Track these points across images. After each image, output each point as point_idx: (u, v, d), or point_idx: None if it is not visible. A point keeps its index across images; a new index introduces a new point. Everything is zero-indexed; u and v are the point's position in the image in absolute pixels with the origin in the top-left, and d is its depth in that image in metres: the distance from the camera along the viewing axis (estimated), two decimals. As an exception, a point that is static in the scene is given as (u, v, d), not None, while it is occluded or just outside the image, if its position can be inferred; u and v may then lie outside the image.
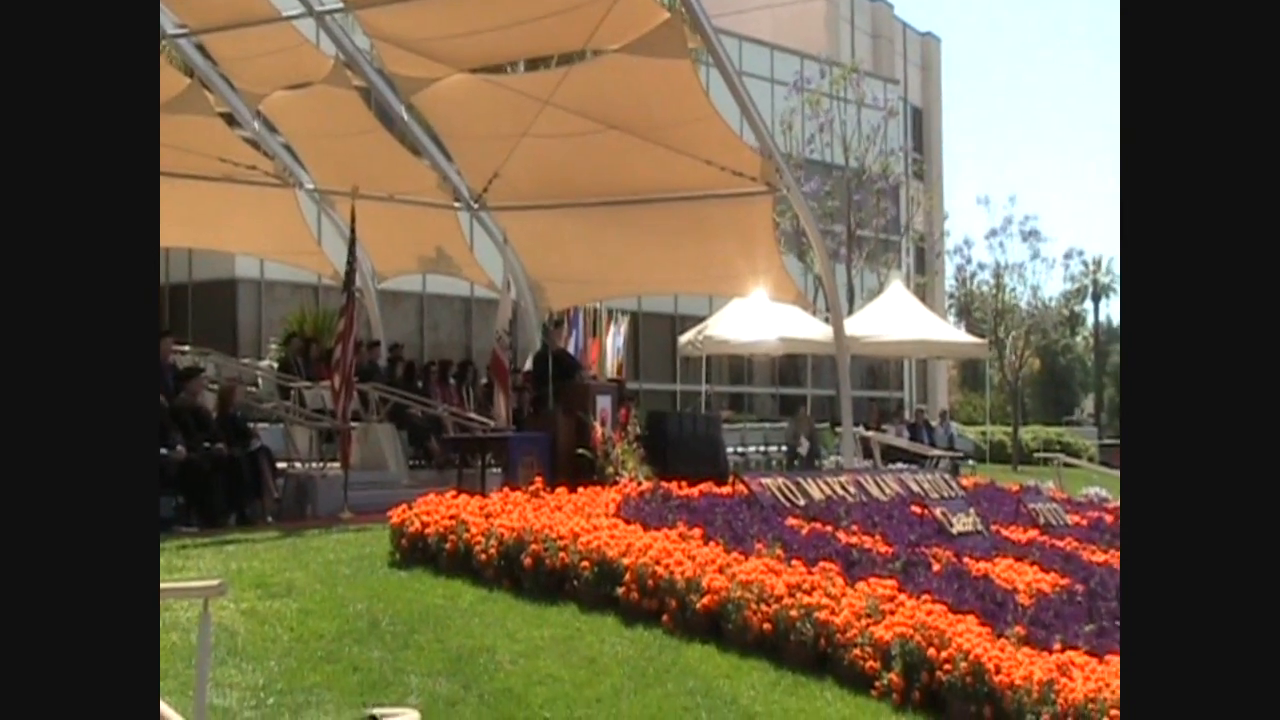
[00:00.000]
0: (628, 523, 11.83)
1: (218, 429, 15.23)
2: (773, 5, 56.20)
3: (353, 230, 18.86)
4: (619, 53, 18.40)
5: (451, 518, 11.59)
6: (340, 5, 19.28)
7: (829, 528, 12.81)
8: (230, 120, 21.04)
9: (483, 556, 11.18)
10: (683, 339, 31.64)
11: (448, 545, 11.35)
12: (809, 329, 27.65)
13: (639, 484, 14.69)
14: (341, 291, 19.23)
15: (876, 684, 9.62)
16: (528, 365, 21.61)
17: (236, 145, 21.25)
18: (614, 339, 25.38)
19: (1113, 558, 14.51)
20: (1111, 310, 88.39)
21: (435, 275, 25.62)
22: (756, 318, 28.01)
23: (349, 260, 18.90)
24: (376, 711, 4.50)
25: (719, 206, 20.30)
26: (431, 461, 18.82)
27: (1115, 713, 9.11)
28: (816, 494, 14.70)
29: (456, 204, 22.39)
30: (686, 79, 18.74)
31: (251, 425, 16.70)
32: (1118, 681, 9.43)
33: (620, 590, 10.68)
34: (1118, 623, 11.02)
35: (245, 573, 10.00)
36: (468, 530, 11.41)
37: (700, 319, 31.72)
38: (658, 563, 10.77)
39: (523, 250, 22.71)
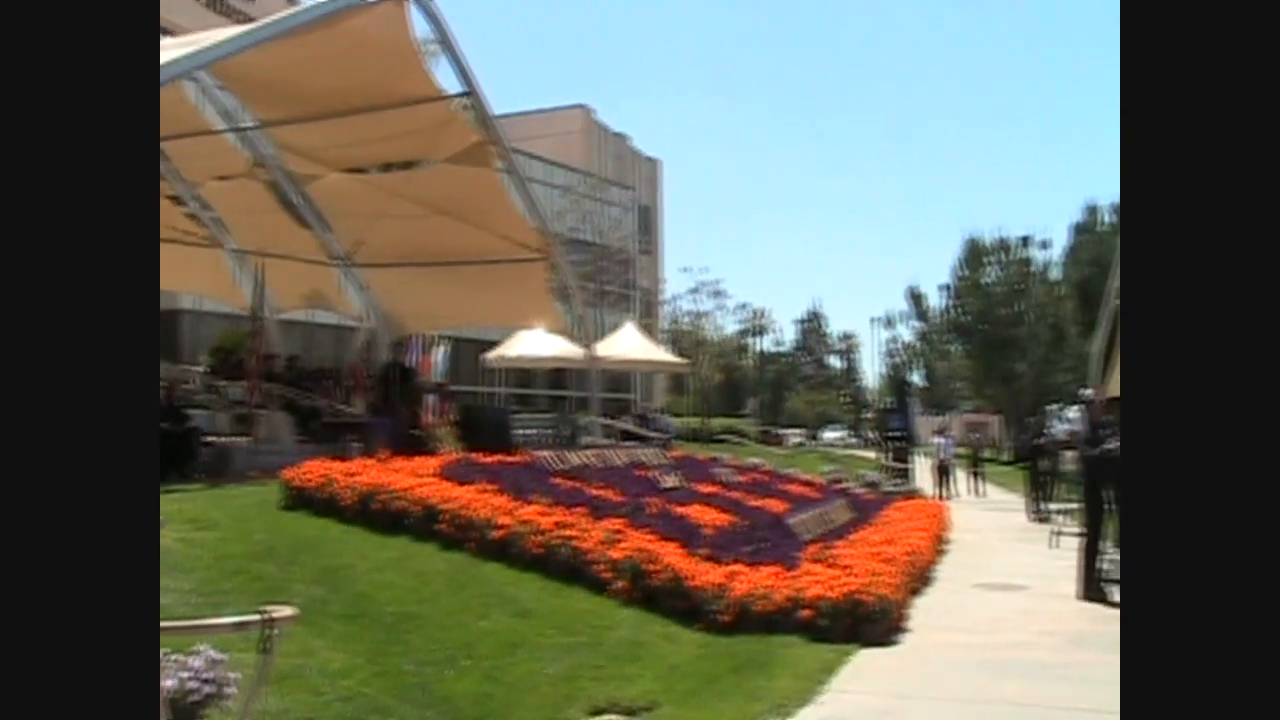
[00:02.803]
0: (446, 481, 11.72)
1: (164, 413, 14.74)
2: (550, 135, 56.23)
3: (261, 278, 18.83)
4: (445, 162, 18.47)
5: (324, 476, 11.38)
6: (256, 124, 18.98)
7: (581, 484, 12.85)
8: (176, 200, 20.63)
9: (346, 502, 10.98)
10: (487, 356, 31.70)
11: (322, 494, 11.13)
12: (571, 351, 27.77)
13: (454, 455, 14.60)
14: (252, 319, 19.39)
15: (611, 588, 9.70)
16: (379, 373, 21.36)
17: (181, 219, 20.83)
18: (439, 356, 25.18)
19: (766, 503, 14.84)
20: (767, 343, 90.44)
21: (317, 309, 25.15)
22: (537, 342, 28.30)
23: (257, 297, 18.99)
24: (267, 609, 4.38)
25: (512, 268, 20.39)
26: (313, 438, 18.43)
27: (764, 603, 9.37)
28: (574, 461, 14.75)
29: (333, 261, 22.09)
30: (491, 181, 18.91)
31: (187, 410, 16.29)
32: (769, 582, 9.71)
33: (440, 525, 10.57)
34: (767, 544, 11.33)
35: (181, 513, 9.68)
36: (336, 484, 11.20)
37: (499, 342, 31.75)
38: (465, 507, 10.71)
39: (379, 294, 22.54)
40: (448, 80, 17.24)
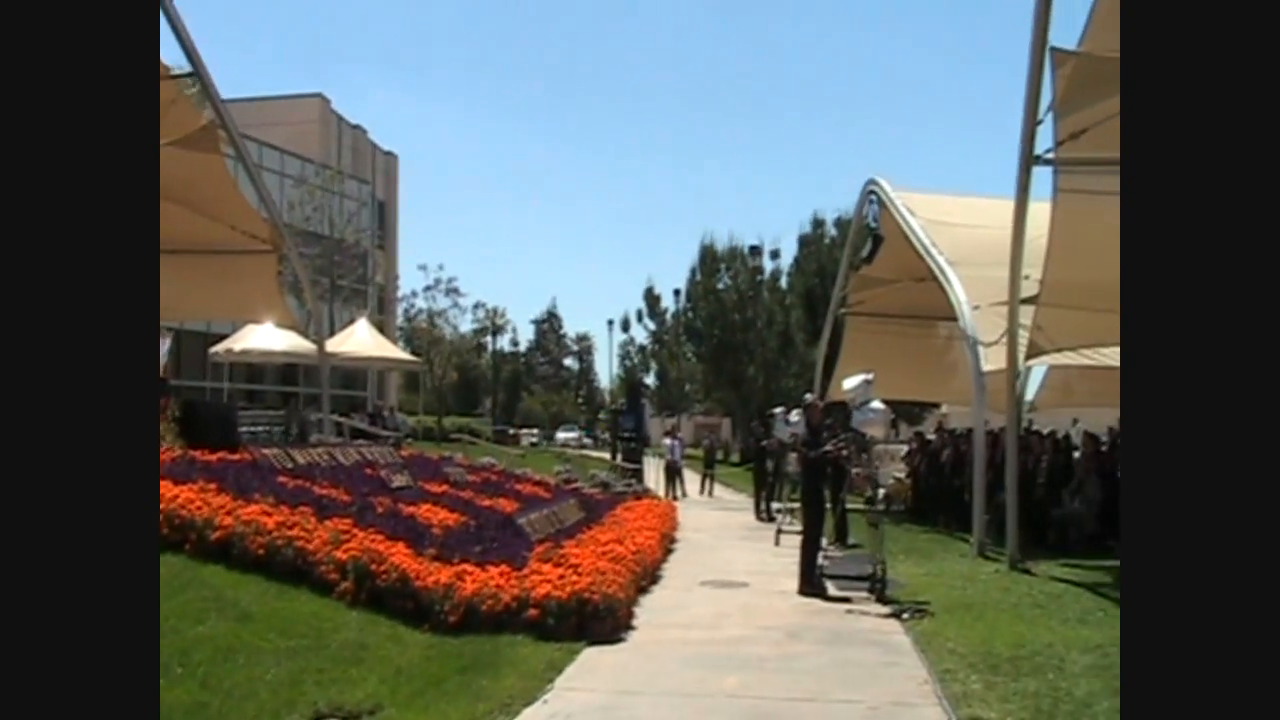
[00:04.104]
0: (163, 479, 11.19)
1: None
2: (284, 123, 54.49)
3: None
4: (170, 145, 17.52)
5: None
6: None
7: (308, 483, 12.53)
8: None
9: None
10: (214, 350, 30.35)
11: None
12: (303, 346, 27.01)
13: (173, 452, 13.94)
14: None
15: (336, 589, 9.48)
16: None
17: None
18: (163, 349, 24.02)
19: (497, 503, 14.84)
20: (504, 342, 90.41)
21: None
22: (267, 337, 27.18)
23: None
24: None
25: (241, 259, 19.65)
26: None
27: (492, 603, 9.37)
28: (301, 460, 14.37)
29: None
30: (218, 167, 18.10)
31: None
32: (497, 582, 9.71)
33: (155, 526, 10.12)
34: (496, 544, 11.33)
35: None
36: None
37: (227, 336, 30.50)
38: (184, 507, 10.26)
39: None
40: (173, 58, 16.47)
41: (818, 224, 57.33)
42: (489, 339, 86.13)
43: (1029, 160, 12.66)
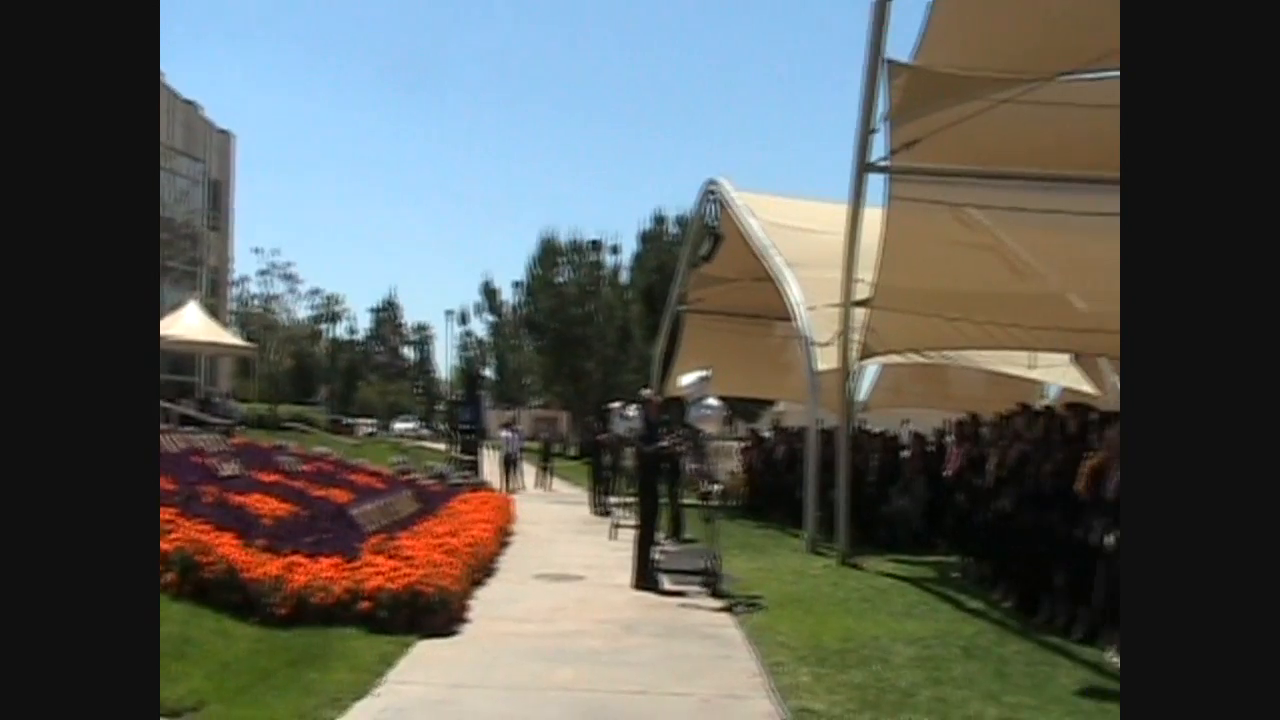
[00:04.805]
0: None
1: None
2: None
3: None
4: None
5: None
6: None
7: (132, 471, 12.10)
8: None
9: None
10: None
11: None
12: (127, 329, 26.08)
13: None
14: None
15: (160, 581, 9.20)
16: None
17: None
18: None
19: (330, 493, 14.58)
20: (341, 330, 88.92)
21: None
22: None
23: None
24: None
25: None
26: None
27: (323, 595, 9.21)
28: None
29: None
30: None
31: None
32: (329, 574, 9.54)
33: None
34: (329, 535, 11.14)
35: None
36: None
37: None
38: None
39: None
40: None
41: (659, 221, 57.89)
42: (326, 326, 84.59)
43: (863, 167, 12.99)
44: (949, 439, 16.81)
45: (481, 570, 12.39)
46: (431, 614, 9.35)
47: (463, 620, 9.86)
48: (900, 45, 11.23)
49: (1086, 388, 19.95)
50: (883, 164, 12.61)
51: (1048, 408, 13.97)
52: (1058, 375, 20.84)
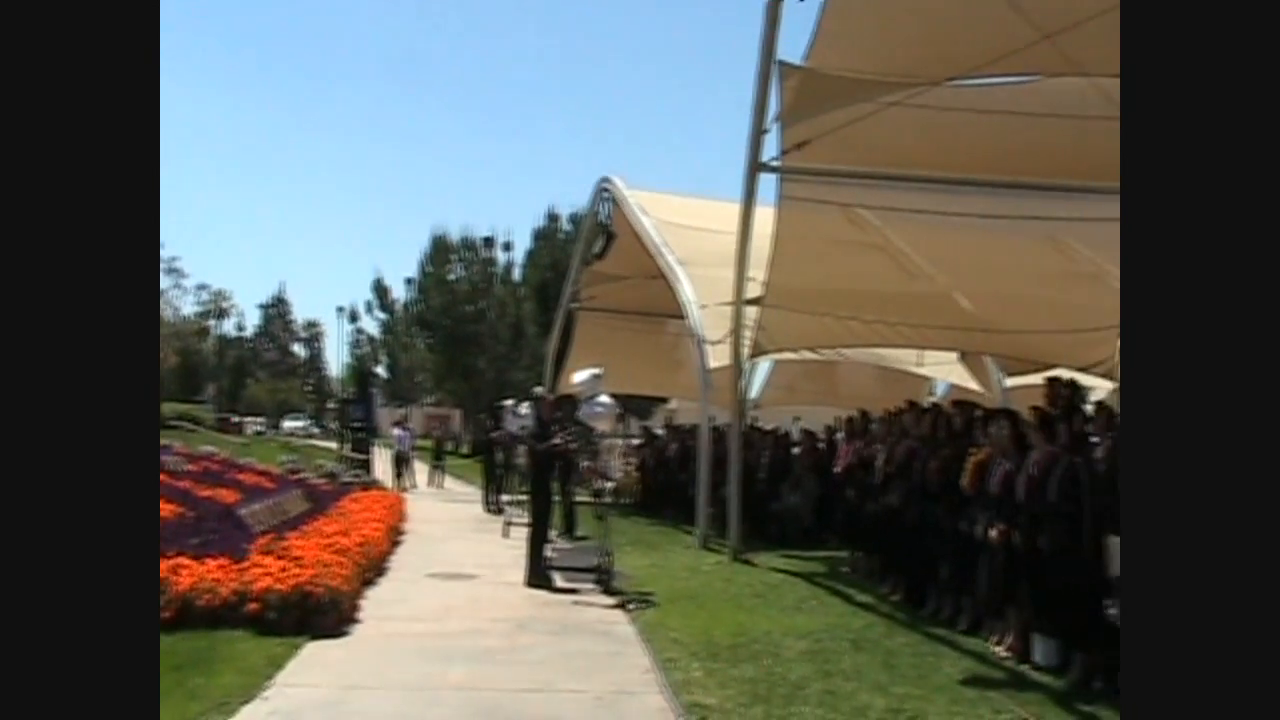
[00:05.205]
0: None
1: None
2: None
3: None
4: None
5: None
6: None
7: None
8: None
9: None
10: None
11: None
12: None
13: None
14: None
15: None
16: None
17: None
18: None
19: (217, 493, 14.32)
20: (229, 327, 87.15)
21: None
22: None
23: None
24: None
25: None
26: None
27: (209, 597, 9.04)
28: None
29: None
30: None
31: None
32: (216, 575, 9.36)
33: None
34: (216, 535, 10.92)
35: None
36: None
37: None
38: None
39: None
40: None
41: (552, 218, 57.79)
42: (213, 322, 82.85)
43: (755, 167, 13.11)
44: (839, 436, 17.06)
45: (373, 570, 12.25)
46: (321, 614, 9.22)
47: (354, 620, 9.74)
48: (793, 47, 11.36)
49: (973, 385, 20.38)
50: (774, 164, 12.74)
51: (935, 404, 14.26)
52: (945, 372, 21.28)
